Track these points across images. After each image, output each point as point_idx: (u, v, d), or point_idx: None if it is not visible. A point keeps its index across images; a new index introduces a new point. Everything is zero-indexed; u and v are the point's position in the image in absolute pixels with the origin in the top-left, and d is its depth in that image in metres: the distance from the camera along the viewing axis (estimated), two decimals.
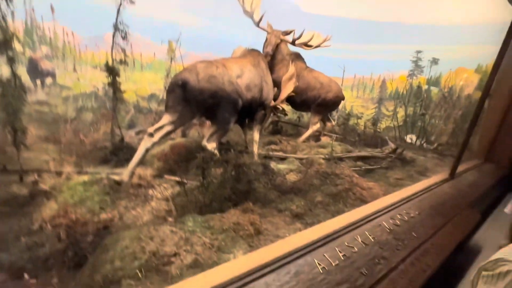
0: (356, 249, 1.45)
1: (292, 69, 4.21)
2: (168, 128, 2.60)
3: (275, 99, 4.54)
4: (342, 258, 1.36)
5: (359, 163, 3.45)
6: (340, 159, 3.60)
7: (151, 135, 2.49)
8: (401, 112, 5.94)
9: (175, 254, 1.30)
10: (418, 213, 2.03)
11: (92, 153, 3.33)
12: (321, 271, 1.24)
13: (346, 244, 1.48)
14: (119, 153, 3.07)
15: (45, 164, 2.62)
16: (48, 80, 5.47)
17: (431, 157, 4.25)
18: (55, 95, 5.17)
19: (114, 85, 3.40)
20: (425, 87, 5.81)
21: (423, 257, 1.55)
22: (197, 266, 1.26)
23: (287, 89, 4.51)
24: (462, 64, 5.29)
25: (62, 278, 1.35)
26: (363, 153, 3.67)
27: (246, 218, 1.67)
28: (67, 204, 1.96)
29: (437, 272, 1.61)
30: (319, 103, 4.76)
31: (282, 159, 3.55)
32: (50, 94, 5.26)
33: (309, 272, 1.22)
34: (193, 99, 2.59)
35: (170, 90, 2.61)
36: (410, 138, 5.20)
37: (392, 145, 3.66)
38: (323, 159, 3.44)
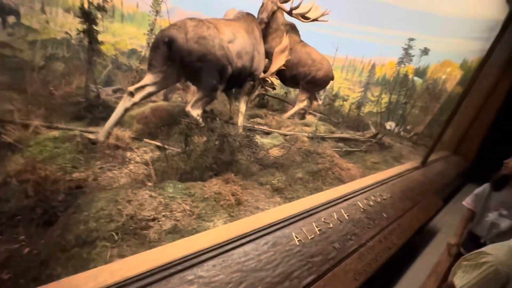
0: (331, 225, 1.52)
1: (286, 40, 4.04)
2: (150, 89, 2.43)
3: (265, 71, 4.40)
4: (318, 232, 1.42)
5: (340, 144, 3.54)
6: (323, 138, 3.65)
7: (131, 94, 2.32)
8: (385, 99, 6.07)
9: (154, 219, 1.27)
10: (390, 195, 2.15)
11: (63, 108, 3.07)
12: (298, 244, 1.29)
13: (323, 220, 1.54)
14: (94, 110, 2.86)
15: (8, 115, 2.38)
16: (11, 19, 4.80)
17: (406, 145, 4.46)
18: (20, 38, 4.58)
19: (90, 34, 3.06)
20: (411, 76, 5.92)
21: (389, 236, 1.68)
22: (176, 232, 1.25)
23: (278, 62, 4.36)
24: (449, 57, 5.40)
25: (30, 236, 1.28)
26: (345, 135, 3.75)
27: (228, 188, 1.67)
28: (35, 160, 1.82)
29: (399, 250, 1.76)
30: (308, 80, 4.69)
31: (267, 134, 3.53)
32: (14, 36, 4.65)
33: (286, 244, 1.26)
34: (180, 60, 2.41)
35: (155, 46, 2.39)
36: (390, 125, 5.38)
37: (373, 130, 3.76)
38: (307, 137, 3.47)
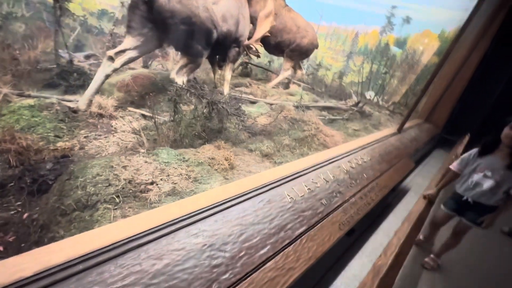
0: (319, 185, 1.65)
1: (271, 4, 3.87)
2: (131, 53, 2.29)
3: (249, 37, 4.24)
4: (307, 191, 1.55)
5: (324, 112, 3.64)
6: (308, 107, 3.73)
7: (111, 59, 2.18)
8: (366, 69, 6.17)
9: (152, 183, 1.30)
10: (369, 159, 2.32)
11: (32, 74, 2.83)
12: (290, 201, 1.40)
13: (312, 180, 1.66)
14: (69, 77, 2.66)
15: None
16: None
17: (384, 113, 4.69)
18: None
19: None
20: (392, 45, 6.01)
21: (369, 193, 1.85)
22: (176, 194, 1.30)
23: (263, 28, 4.20)
24: (429, 27, 5.50)
25: (24, 203, 1.27)
26: (328, 104, 3.85)
27: (221, 153, 1.71)
28: (13, 129, 1.72)
29: (376, 205, 1.96)
30: (293, 48, 4.61)
31: (252, 103, 3.53)
32: None
33: (280, 201, 1.37)
34: (162, 22, 2.26)
35: (133, 6, 2.21)
36: (370, 94, 5.56)
37: (355, 99, 3.89)
38: (292, 106, 3.53)
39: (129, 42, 2.26)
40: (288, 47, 4.63)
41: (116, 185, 1.21)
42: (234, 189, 1.32)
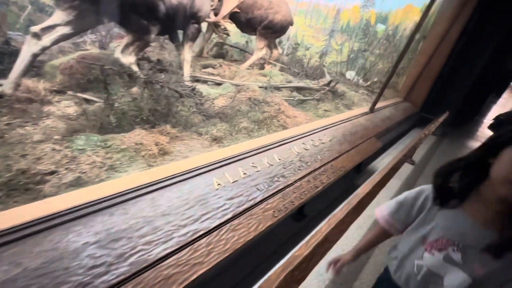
0: (259, 169, 1.52)
1: None
2: (63, 30, 2.04)
3: (217, 14, 3.96)
4: (243, 176, 1.41)
5: (294, 93, 3.47)
6: (278, 88, 3.55)
7: (37, 36, 1.94)
8: (348, 47, 5.94)
9: (52, 172, 1.15)
10: (329, 139, 2.20)
11: None
12: (217, 188, 1.27)
13: (251, 164, 1.53)
14: (3, 59, 2.40)
15: None
16: None
17: (361, 93, 4.53)
18: None
19: None
20: (373, 22, 5.76)
21: (319, 176, 1.74)
22: (80, 185, 1.15)
23: (230, 3, 3.92)
24: (411, 1, 5.25)
25: None
26: (299, 84, 3.67)
27: (151, 138, 1.55)
28: None
29: (335, 186, 1.85)
30: (265, 25, 4.34)
31: (218, 84, 3.33)
32: None
33: (203, 188, 1.23)
34: None
35: None
36: (350, 74, 5.38)
37: (327, 77, 3.71)
38: (260, 87, 3.34)
39: (58, 16, 2.01)
40: (260, 25, 4.35)
41: (2, 177, 1.05)
42: (148, 176, 1.17)
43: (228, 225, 1.15)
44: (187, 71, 3.00)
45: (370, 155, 2.45)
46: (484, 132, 6.44)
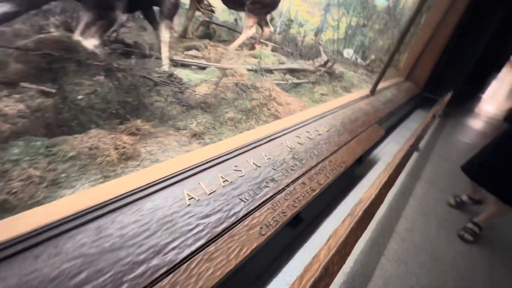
0: (244, 173, 1.26)
1: None
2: (3, 8, 1.68)
3: None
4: (223, 184, 1.15)
5: (287, 76, 3.14)
6: (269, 71, 3.21)
7: None
8: (345, 23, 5.50)
9: None
10: (327, 130, 1.93)
11: None
12: (188, 203, 1.01)
13: (234, 167, 1.26)
14: None
15: None
16: None
17: (361, 73, 4.21)
18: None
19: None
20: None
21: (316, 176, 1.49)
22: (5, 211, 0.89)
23: None
24: None
25: None
26: (293, 66, 3.33)
27: (110, 140, 1.27)
28: None
29: (334, 182, 1.62)
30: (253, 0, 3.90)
31: (202, 68, 2.98)
32: None
33: (170, 206, 0.98)
34: None
35: None
36: (348, 52, 5.00)
37: (324, 57, 3.38)
38: (249, 70, 3.00)
39: None
40: None
41: None
42: (97, 195, 0.91)
43: (201, 253, 0.90)
44: (165, 54, 2.65)
45: (373, 144, 2.20)
46: (484, 109, 6.21)
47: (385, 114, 2.78)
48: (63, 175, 1.06)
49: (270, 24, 4.60)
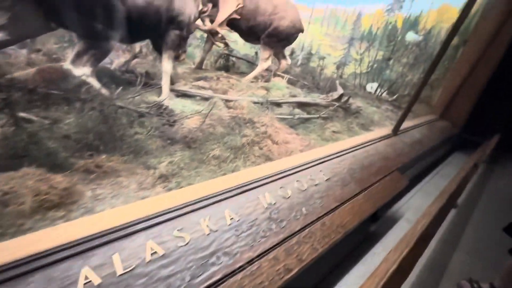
0: (188, 239, 0.93)
1: None
2: None
3: (213, 21, 3.55)
4: (149, 258, 0.84)
5: (296, 110, 2.86)
6: (277, 104, 2.97)
7: None
8: (369, 57, 5.22)
9: None
10: (326, 179, 1.55)
11: None
12: (124, 271, 0.71)
13: (177, 231, 0.95)
14: None
15: None
16: None
17: (385, 109, 3.78)
18: None
19: None
20: (400, 27, 5.01)
21: (298, 247, 1.10)
22: None
23: (227, 8, 3.49)
24: (447, 0, 4.44)
25: None
26: (304, 99, 3.05)
27: (34, 182, 1.05)
28: None
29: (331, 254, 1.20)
30: (270, 33, 3.84)
31: (205, 99, 2.84)
32: None
33: (100, 276, 0.68)
34: None
35: None
36: (371, 86, 4.64)
37: (339, 91, 3.07)
38: (255, 102, 2.79)
39: None
40: (264, 32, 3.86)
41: None
42: None
43: None
44: (165, 84, 2.56)
45: (389, 199, 1.75)
46: None
47: (410, 159, 2.30)
48: None
49: (287, 57, 4.49)
